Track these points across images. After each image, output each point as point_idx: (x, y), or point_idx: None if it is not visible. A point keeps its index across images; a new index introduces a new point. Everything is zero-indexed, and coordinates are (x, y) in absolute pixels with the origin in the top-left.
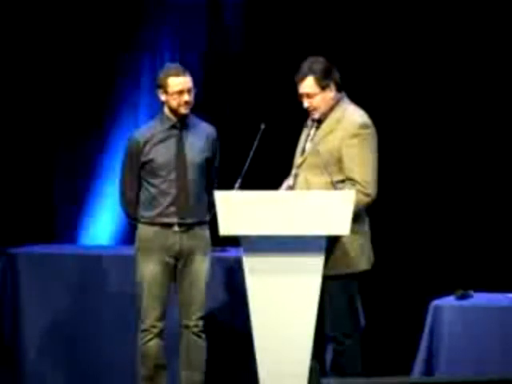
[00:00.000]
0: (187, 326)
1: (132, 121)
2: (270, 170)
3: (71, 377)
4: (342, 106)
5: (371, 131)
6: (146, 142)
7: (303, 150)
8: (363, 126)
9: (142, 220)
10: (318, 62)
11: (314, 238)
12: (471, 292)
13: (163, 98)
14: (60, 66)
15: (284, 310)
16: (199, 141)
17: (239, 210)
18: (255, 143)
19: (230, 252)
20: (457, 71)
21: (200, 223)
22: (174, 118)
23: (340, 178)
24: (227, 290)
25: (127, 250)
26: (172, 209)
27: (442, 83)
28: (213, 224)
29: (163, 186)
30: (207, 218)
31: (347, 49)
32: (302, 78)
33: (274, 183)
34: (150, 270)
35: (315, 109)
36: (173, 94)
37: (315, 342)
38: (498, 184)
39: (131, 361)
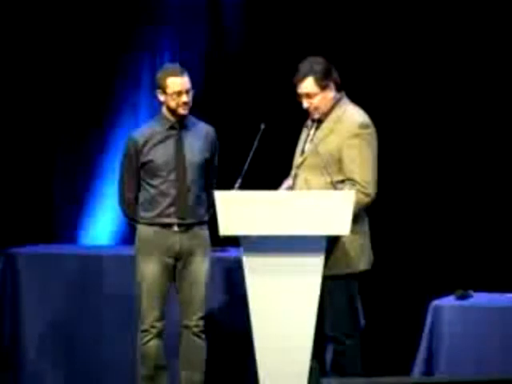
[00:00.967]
0: (187, 326)
1: (132, 121)
2: (270, 170)
3: (71, 377)
4: (342, 105)
5: (371, 131)
6: (144, 143)
7: (303, 151)
8: (363, 126)
9: (142, 221)
10: (318, 62)
11: (314, 238)
12: (471, 292)
13: (162, 98)
14: (60, 66)
15: (284, 310)
16: (198, 141)
17: (239, 210)
18: (255, 143)
19: (230, 252)
20: (457, 71)
21: (199, 223)
22: (172, 119)
23: (340, 178)
24: (227, 290)
25: (127, 250)
26: (172, 209)
27: (442, 83)
28: (213, 224)
29: (162, 187)
30: (206, 218)
31: (347, 49)
32: (302, 78)
33: (273, 183)
34: (149, 270)
35: (315, 109)
36: (171, 94)
37: (315, 342)
38: (497, 184)
39: (131, 361)
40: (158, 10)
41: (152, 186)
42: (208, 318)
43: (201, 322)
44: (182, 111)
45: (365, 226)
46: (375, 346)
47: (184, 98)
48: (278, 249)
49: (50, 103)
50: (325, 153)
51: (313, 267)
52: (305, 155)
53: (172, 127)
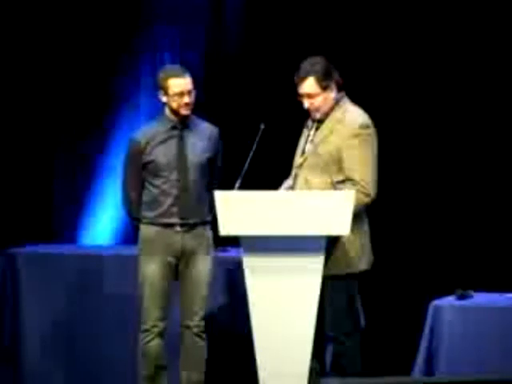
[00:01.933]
0: (188, 327)
1: (132, 121)
2: (270, 170)
3: (71, 377)
4: (343, 106)
5: (371, 131)
6: (147, 143)
7: (303, 151)
8: (363, 127)
9: (144, 220)
10: (319, 62)
11: (314, 238)
12: (471, 292)
13: (164, 99)
14: (60, 66)
15: (284, 310)
16: (201, 141)
17: (239, 210)
18: (255, 143)
19: (230, 252)
20: (457, 71)
21: (202, 223)
22: (174, 119)
23: (340, 178)
24: (227, 290)
25: (127, 250)
26: (174, 209)
27: (442, 83)
28: (213, 224)
29: (165, 187)
30: (209, 218)
31: (347, 49)
32: (303, 78)
33: (273, 183)
34: (151, 270)
35: (316, 109)
36: (173, 95)
37: (315, 342)
38: (497, 184)
39: (131, 361)
40: (157, 10)
41: (154, 186)
42: (208, 318)
43: (202, 323)
44: (184, 112)
45: (365, 226)
46: (375, 346)
47: (186, 99)
48: (278, 249)
49: (50, 103)
50: (325, 153)
51: (313, 267)
52: (305, 155)
53: (174, 127)
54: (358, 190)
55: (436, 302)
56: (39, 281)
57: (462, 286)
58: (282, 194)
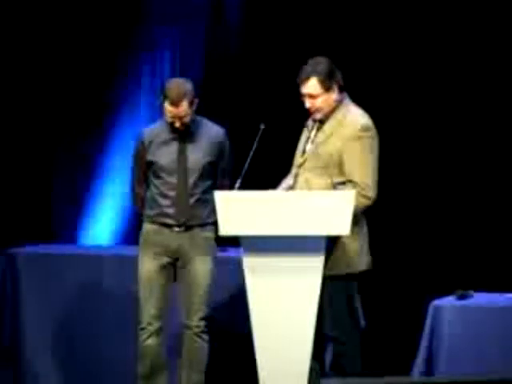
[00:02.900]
0: (189, 327)
1: (132, 121)
2: (270, 170)
3: (71, 377)
4: (344, 107)
5: (372, 133)
6: (150, 142)
7: (304, 151)
8: (365, 129)
9: (145, 218)
10: (322, 63)
11: (314, 238)
12: (471, 292)
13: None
14: (60, 65)
15: (284, 310)
16: (203, 144)
17: (239, 210)
18: (255, 143)
19: (230, 252)
20: (457, 73)
21: (202, 225)
22: None
23: (341, 179)
24: (227, 290)
25: (127, 250)
26: (170, 210)
27: (443, 85)
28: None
29: (163, 188)
30: (211, 220)
31: (348, 49)
32: (306, 79)
33: (274, 183)
34: (146, 268)
35: (318, 110)
36: (168, 115)
37: (315, 342)
38: (497, 184)
39: (131, 360)
40: (158, 9)
41: (154, 186)
42: (208, 318)
43: (202, 323)
44: (178, 126)
45: (363, 227)
46: (375, 346)
47: (177, 124)
48: (278, 249)
49: (49, 103)
50: (326, 154)
51: (313, 267)
52: (305, 156)
53: (175, 130)
54: (358, 192)
55: (436, 302)
56: (39, 281)
57: (462, 286)
58: (282, 194)
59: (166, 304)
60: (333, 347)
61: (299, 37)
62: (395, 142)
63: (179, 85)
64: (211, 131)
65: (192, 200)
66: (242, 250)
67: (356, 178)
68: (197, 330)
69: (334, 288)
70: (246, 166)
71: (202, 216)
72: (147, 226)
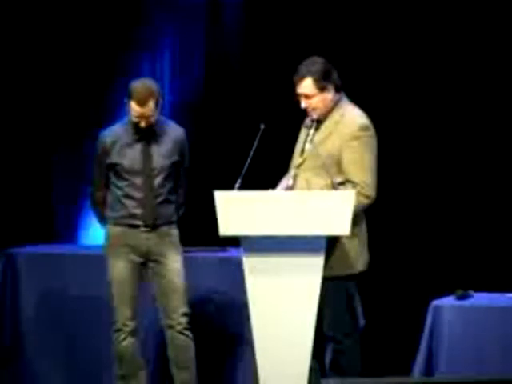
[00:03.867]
0: (170, 326)
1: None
2: (269, 170)
3: (71, 377)
4: (342, 106)
5: (371, 133)
6: (112, 144)
7: (302, 151)
8: (363, 128)
9: (109, 221)
10: (317, 64)
11: (314, 238)
12: (471, 292)
13: (128, 107)
14: (60, 65)
15: (284, 310)
16: (166, 144)
17: (239, 210)
18: (255, 143)
19: (230, 252)
20: (457, 72)
21: (167, 223)
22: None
23: (340, 179)
24: (227, 290)
25: None
26: (137, 211)
27: (442, 84)
28: (211, 224)
29: (128, 189)
30: (175, 218)
31: (347, 49)
32: (301, 79)
33: (274, 183)
34: (118, 269)
35: (313, 110)
36: (133, 115)
37: (315, 342)
38: (497, 184)
39: None
40: (158, 9)
41: (118, 188)
42: (208, 318)
43: (183, 319)
44: (142, 125)
45: (363, 227)
46: (375, 346)
47: (142, 124)
48: (278, 249)
49: (49, 103)
50: (324, 154)
51: (313, 267)
52: (304, 156)
53: (140, 130)
54: (358, 192)
55: (436, 302)
56: (39, 281)
57: (462, 286)
58: (282, 194)
59: (138, 304)
60: (333, 347)
61: (299, 37)
62: (394, 141)
63: (146, 85)
64: (173, 131)
65: (158, 200)
66: (241, 249)
67: (355, 178)
68: (179, 327)
69: (333, 288)
70: (246, 165)
71: (167, 215)
72: (112, 229)
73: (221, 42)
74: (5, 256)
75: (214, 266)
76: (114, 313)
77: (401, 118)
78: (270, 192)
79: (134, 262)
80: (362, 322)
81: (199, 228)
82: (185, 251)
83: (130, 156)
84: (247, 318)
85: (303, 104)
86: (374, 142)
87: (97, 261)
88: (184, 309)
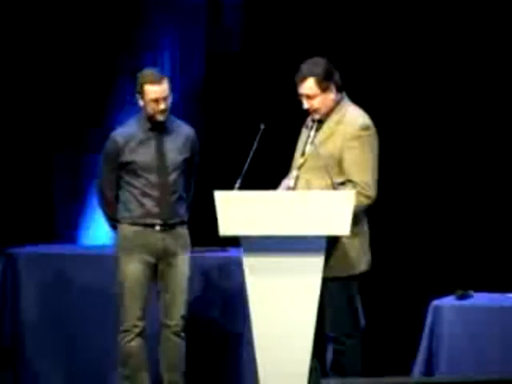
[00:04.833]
0: (167, 326)
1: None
2: (270, 170)
3: (71, 377)
4: (343, 107)
5: (372, 133)
6: (126, 143)
7: (303, 152)
8: (364, 128)
9: (124, 220)
10: (319, 64)
11: (314, 238)
12: (471, 292)
13: (140, 103)
14: (60, 65)
15: (284, 310)
16: (179, 142)
17: (239, 210)
18: (255, 143)
19: (230, 252)
20: (457, 72)
21: (181, 223)
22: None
23: (341, 179)
24: (227, 290)
25: None
26: (155, 210)
27: (443, 84)
28: (211, 224)
29: (145, 188)
30: (186, 218)
31: (348, 49)
32: (303, 79)
33: (273, 183)
34: (131, 269)
35: (315, 110)
36: (149, 101)
37: (315, 342)
38: (497, 184)
39: None
40: (157, 9)
41: (134, 187)
42: (208, 318)
43: (181, 322)
44: (160, 118)
45: (364, 227)
46: (375, 346)
47: (161, 106)
48: (278, 249)
49: (50, 103)
50: (325, 154)
51: (313, 267)
52: (305, 156)
53: (153, 128)
54: (358, 192)
55: (436, 302)
56: (39, 281)
57: (462, 286)
58: (282, 194)
59: (147, 305)
60: (333, 347)
61: (299, 36)
62: (395, 141)
63: (154, 70)
64: (184, 129)
65: (174, 197)
66: (241, 249)
67: (356, 178)
68: (176, 328)
69: (334, 288)
70: (246, 165)
71: (182, 214)
72: (127, 228)
73: (221, 42)
74: (5, 256)
75: (214, 266)
76: (122, 313)
77: (402, 118)
78: (269, 192)
79: (147, 262)
80: (362, 322)
81: (199, 228)
82: None
83: (144, 153)
84: (247, 317)
85: (305, 104)
86: (374, 141)
87: (97, 261)
88: (184, 312)
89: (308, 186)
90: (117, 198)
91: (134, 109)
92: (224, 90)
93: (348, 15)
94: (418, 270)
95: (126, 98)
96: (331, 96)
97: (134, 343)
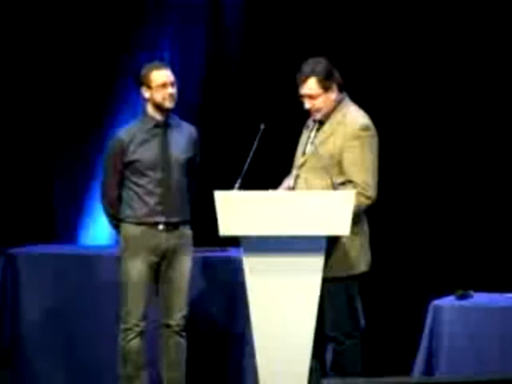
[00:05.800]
0: (169, 325)
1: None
2: (270, 170)
3: (71, 377)
4: (344, 107)
5: (372, 133)
6: (130, 142)
7: (304, 152)
8: (364, 128)
9: (128, 220)
10: (321, 63)
11: (314, 238)
12: (471, 292)
13: (147, 94)
14: (60, 65)
15: (284, 310)
16: (182, 140)
17: (239, 210)
18: (255, 143)
19: (230, 252)
20: (457, 72)
21: (184, 222)
22: (157, 117)
23: (341, 179)
24: (227, 290)
25: None
26: (159, 208)
27: (443, 84)
28: (211, 224)
29: (149, 186)
30: (189, 218)
31: (348, 49)
32: (305, 79)
33: (274, 183)
34: (135, 270)
35: (317, 110)
36: (157, 87)
37: (315, 342)
38: (497, 184)
39: None
40: (158, 10)
41: (138, 185)
42: (208, 318)
43: (182, 321)
44: (169, 104)
45: (364, 227)
46: (375, 346)
47: (169, 90)
48: (278, 249)
49: (50, 103)
50: (326, 155)
51: (313, 267)
52: (306, 156)
53: (156, 126)
54: (358, 192)
55: (436, 302)
56: (39, 281)
57: (462, 286)
58: (282, 193)
59: (149, 304)
60: (333, 347)
61: (299, 37)
62: (395, 141)
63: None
64: (187, 128)
65: (177, 197)
66: (241, 249)
67: (356, 178)
68: (177, 328)
69: (334, 288)
70: (246, 165)
71: (185, 213)
72: (131, 228)
73: (221, 42)
74: (5, 256)
75: (214, 265)
76: (124, 313)
77: (402, 118)
78: (270, 192)
79: (150, 262)
80: (362, 322)
81: (199, 228)
82: None
83: (148, 151)
84: (247, 317)
85: (307, 105)
86: (375, 142)
87: (97, 261)
88: (184, 311)
89: (307, 186)
90: (119, 197)
91: (133, 109)
92: (224, 89)
93: (348, 15)
94: (418, 270)
95: (126, 98)
96: (333, 95)
97: (133, 342)
